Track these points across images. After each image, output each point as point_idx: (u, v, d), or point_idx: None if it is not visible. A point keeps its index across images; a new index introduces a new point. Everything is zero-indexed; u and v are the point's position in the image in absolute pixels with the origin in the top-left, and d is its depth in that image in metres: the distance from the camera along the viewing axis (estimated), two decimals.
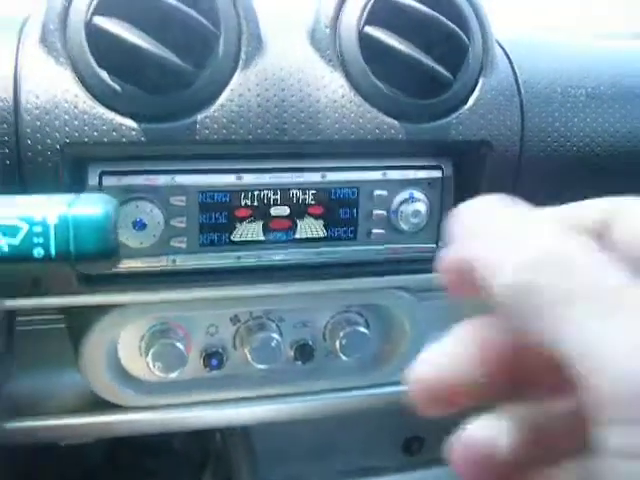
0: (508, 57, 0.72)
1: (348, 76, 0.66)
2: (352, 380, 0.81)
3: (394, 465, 1.12)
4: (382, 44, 0.65)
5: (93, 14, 0.59)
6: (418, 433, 1.12)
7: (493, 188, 0.72)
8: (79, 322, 0.72)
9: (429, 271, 0.75)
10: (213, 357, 0.76)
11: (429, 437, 1.10)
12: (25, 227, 0.37)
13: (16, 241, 0.38)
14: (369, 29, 0.65)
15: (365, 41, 0.66)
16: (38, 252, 0.38)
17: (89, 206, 0.41)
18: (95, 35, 0.59)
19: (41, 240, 0.37)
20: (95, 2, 0.59)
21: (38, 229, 0.37)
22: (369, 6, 0.66)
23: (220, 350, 0.76)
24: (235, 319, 0.77)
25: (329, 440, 1.08)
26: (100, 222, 0.40)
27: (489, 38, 0.70)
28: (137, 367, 0.76)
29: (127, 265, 0.66)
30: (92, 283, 0.66)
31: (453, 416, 0.28)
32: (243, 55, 0.63)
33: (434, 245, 0.73)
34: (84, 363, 0.73)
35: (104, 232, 0.40)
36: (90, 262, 0.40)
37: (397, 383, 0.82)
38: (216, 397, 0.79)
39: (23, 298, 0.66)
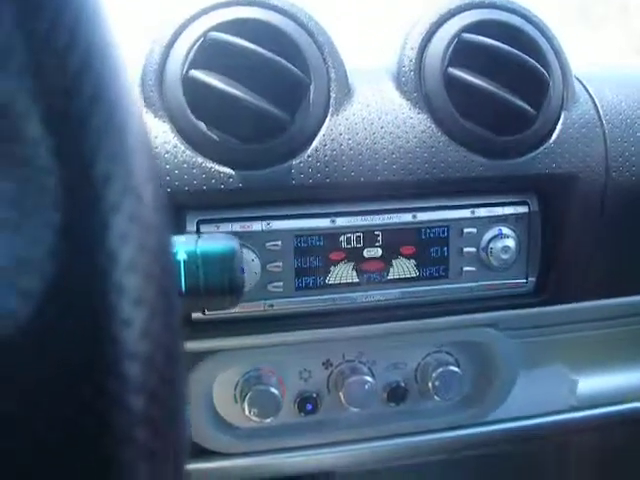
0: (587, 90, 0.70)
1: (434, 117, 0.64)
2: (446, 420, 0.77)
3: None
4: (466, 84, 0.63)
5: (189, 68, 0.58)
6: None
7: (580, 220, 0.69)
8: None
9: (519, 307, 0.72)
10: (307, 402, 0.73)
11: None
12: None
13: None
14: (453, 70, 0.64)
15: (449, 82, 0.64)
16: None
17: (215, 242, 0.39)
18: (191, 88, 0.58)
19: None
20: (191, 57, 0.58)
21: None
22: (451, 47, 0.64)
23: (314, 395, 0.73)
24: (327, 363, 0.74)
25: None
26: (226, 256, 0.38)
27: (568, 72, 0.68)
28: (232, 413, 0.73)
29: (226, 311, 0.64)
30: (189, 329, 0.64)
31: None
32: (333, 101, 0.62)
33: (524, 280, 0.69)
34: None
35: (231, 266, 0.39)
36: (218, 297, 0.38)
37: (491, 423, 0.78)
38: (310, 442, 0.76)
39: None
